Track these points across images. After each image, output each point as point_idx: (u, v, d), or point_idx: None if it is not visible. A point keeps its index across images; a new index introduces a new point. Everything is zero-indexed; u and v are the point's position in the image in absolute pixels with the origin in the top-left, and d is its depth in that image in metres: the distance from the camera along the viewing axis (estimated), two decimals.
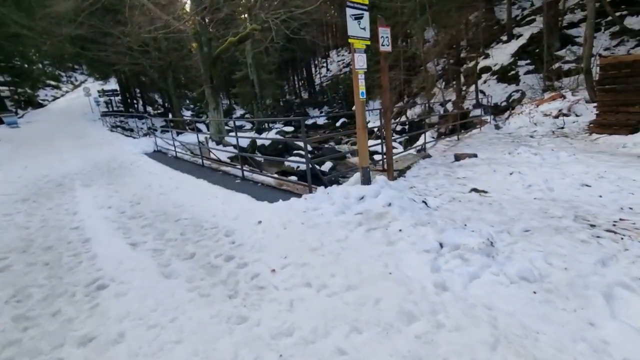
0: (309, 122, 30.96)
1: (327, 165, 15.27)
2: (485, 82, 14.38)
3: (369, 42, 4.06)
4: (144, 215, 4.33)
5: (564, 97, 9.25)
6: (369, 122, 21.50)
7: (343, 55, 47.93)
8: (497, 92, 13.77)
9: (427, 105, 17.98)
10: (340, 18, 21.89)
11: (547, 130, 8.23)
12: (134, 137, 14.89)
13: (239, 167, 6.30)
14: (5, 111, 22.82)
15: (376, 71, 20.65)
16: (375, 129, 12.68)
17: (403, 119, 20.10)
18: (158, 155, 10.25)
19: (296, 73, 34.90)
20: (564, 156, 5.65)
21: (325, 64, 46.63)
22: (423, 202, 3.84)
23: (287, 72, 35.76)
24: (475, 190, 4.57)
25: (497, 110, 12.71)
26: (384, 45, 4.65)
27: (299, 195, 4.44)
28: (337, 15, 21.94)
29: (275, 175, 6.26)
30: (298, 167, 14.70)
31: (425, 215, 3.36)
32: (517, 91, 12.74)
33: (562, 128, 8.21)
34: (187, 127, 24.33)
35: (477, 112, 14.10)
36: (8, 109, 24.47)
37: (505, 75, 14.01)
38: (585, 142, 6.63)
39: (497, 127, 10.11)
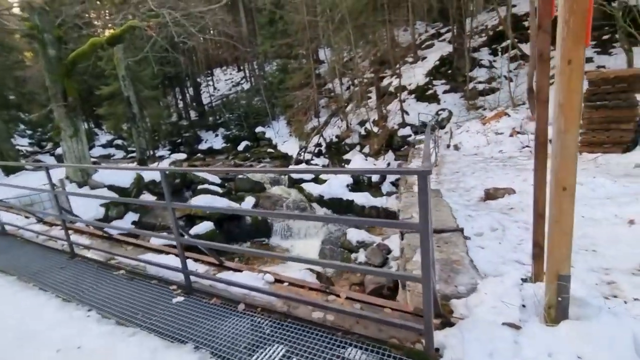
0: (204, 146, 26.61)
1: (248, 202, 12.19)
2: (404, 101, 14.17)
3: None
4: None
5: (507, 115, 9.09)
6: (275, 144, 18.56)
7: (231, 74, 44.77)
8: (418, 111, 13.61)
9: (346, 124, 17.01)
10: (236, 27, 19.31)
11: (514, 150, 7.64)
12: None
13: (176, 251, 3.08)
14: None
15: (286, 88, 18.77)
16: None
17: (316, 140, 18.67)
18: None
19: (181, 91, 29.93)
20: (609, 184, 4.66)
21: (211, 82, 42.43)
22: None
23: (170, 89, 30.36)
24: None
25: (425, 129, 12.35)
26: None
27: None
28: (234, 24, 19.27)
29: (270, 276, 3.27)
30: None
31: None
32: (443, 110, 12.71)
33: (527, 147, 7.77)
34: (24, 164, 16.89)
35: (405, 131, 13.67)
36: None
37: (424, 94, 14.06)
38: (583, 162, 6.06)
39: (456, 147, 9.35)
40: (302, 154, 17.23)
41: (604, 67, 10.43)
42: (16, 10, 11.53)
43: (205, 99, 33.01)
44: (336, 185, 12.52)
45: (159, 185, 13.67)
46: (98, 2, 16.05)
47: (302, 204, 12.33)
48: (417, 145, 10.89)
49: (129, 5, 9.96)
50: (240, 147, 24.18)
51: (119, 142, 27.32)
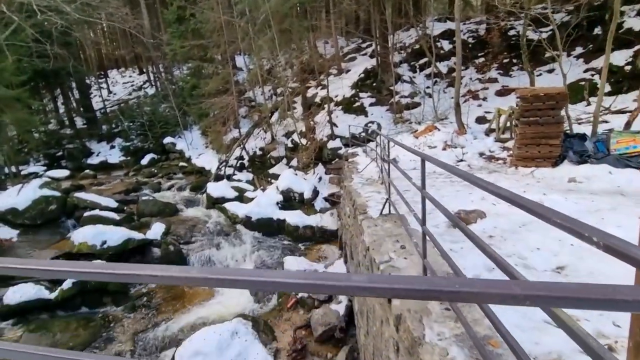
0: (95, 160, 22.04)
1: (156, 230, 9.90)
2: (331, 112, 13.72)
3: None
4: None
5: (437, 129, 9.20)
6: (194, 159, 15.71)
7: (131, 76, 39.24)
8: (347, 122, 13.30)
9: (271, 136, 15.74)
10: (138, 24, 16.42)
11: (451, 164, 7.56)
12: None
13: None
14: None
15: (200, 95, 16.60)
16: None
17: (238, 153, 16.94)
18: None
19: (63, 92, 24.37)
20: (562, 201, 4.56)
21: (105, 85, 36.31)
22: None
23: (45, 89, 24.45)
24: None
25: (357, 141, 12.03)
26: None
27: None
28: (134, 18, 16.32)
29: None
30: (105, 242, 8.60)
31: None
32: (371, 122, 12.58)
33: (463, 160, 7.81)
34: None
35: (335, 143, 13.15)
36: None
37: (351, 106, 13.85)
38: (522, 176, 6.13)
39: (395, 161, 8.99)
40: (223, 168, 15.34)
41: (507, 86, 11.64)
42: None
43: (97, 104, 27.78)
44: (265, 204, 11.17)
45: (24, 214, 10.25)
46: None
47: (227, 228, 10.59)
48: (351, 159, 10.35)
49: None
50: (145, 161, 20.69)
51: None
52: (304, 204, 11.70)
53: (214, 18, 14.22)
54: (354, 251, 5.36)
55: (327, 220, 10.49)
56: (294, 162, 14.65)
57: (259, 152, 16.38)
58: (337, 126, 13.53)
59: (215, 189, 12.64)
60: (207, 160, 17.85)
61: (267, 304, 7.18)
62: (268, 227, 10.55)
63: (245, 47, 14.31)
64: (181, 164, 19.34)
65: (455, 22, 8.85)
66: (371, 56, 17.15)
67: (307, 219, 10.48)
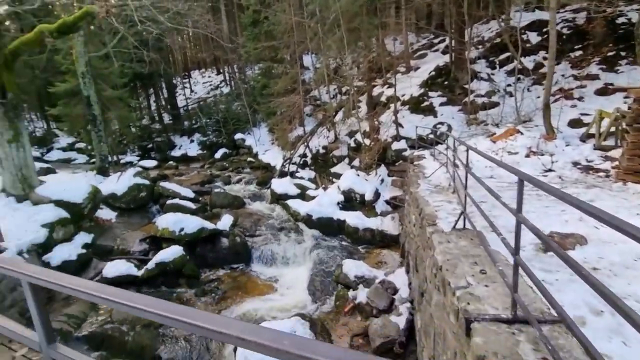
0: (177, 153, 24.63)
1: (225, 221, 10.64)
2: (397, 112, 13.20)
3: None
4: None
5: (520, 132, 8.21)
6: (260, 154, 16.43)
7: (210, 76, 42.81)
8: (413, 123, 12.68)
9: (334, 135, 15.82)
10: (218, 29, 17.84)
11: (537, 174, 6.69)
12: None
13: None
14: None
15: (269, 94, 17.40)
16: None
17: (302, 150, 17.34)
18: None
19: (155, 92, 27.74)
20: None
21: (188, 85, 40.26)
22: None
23: (141, 89, 28.08)
24: None
25: (425, 144, 11.39)
26: None
27: None
28: (215, 23, 17.78)
29: None
30: (183, 229, 9.54)
31: None
32: (441, 123, 11.82)
33: (551, 171, 6.86)
34: None
35: (400, 145, 12.66)
36: None
37: (419, 106, 13.17)
38: (633, 194, 5.14)
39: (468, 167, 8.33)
40: (287, 165, 15.87)
41: (612, 84, 9.90)
42: None
43: (180, 102, 30.94)
44: (326, 203, 11.25)
45: (122, 199, 11.85)
46: None
47: (288, 224, 10.93)
48: (417, 162, 9.84)
49: None
50: (218, 155, 22.46)
51: (82, 145, 24.71)
52: (365, 205, 11.51)
53: (286, 20, 14.69)
54: (420, 264, 5.06)
55: (388, 224, 10.17)
56: (356, 162, 14.51)
57: (322, 151, 16.58)
58: (402, 127, 13.01)
59: (279, 185, 13.13)
60: (273, 156, 18.65)
61: (324, 305, 7.23)
62: (328, 227, 10.61)
63: (314, 47, 14.52)
64: (249, 159, 20.53)
65: (549, 12, 7.77)
66: (444, 52, 16.09)
67: (367, 221, 10.28)
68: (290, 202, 11.84)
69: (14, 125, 8.98)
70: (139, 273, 8.06)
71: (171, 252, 8.56)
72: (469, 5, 11.63)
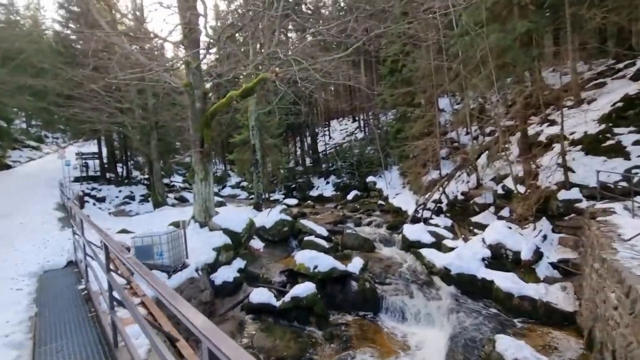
0: (314, 193, 27.03)
1: (356, 264, 10.58)
2: (565, 154, 10.74)
3: None
4: None
5: None
6: (392, 198, 16.32)
7: (346, 124, 46.56)
8: (591, 167, 10.01)
9: (477, 180, 14.17)
10: (358, 80, 19.47)
11: None
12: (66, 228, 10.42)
13: None
14: None
15: (404, 138, 17.36)
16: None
17: (437, 196, 16.08)
18: (67, 286, 5.52)
19: (300, 139, 32.15)
20: None
21: (327, 132, 44.87)
22: None
23: (290, 137, 33.06)
24: None
25: (613, 194, 8.71)
26: None
27: None
28: (353, 77, 19.59)
29: None
30: (317, 267, 9.99)
31: None
32: (638, 167, 8.92)
33: None
34: (166, 199, 19.85)
35: (571, 194, 10.14)
36: None
37: (598, 145, 10.45)
38: None
39: None
40: (420, 210, 14.96)
41: None
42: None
43: (320, 147, 34.53)
44: (467, 257, 9.81)
45: (269, 232, 13.54)
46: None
47: (422, 276, 9.98)
48: (601, 217, 7.54)
49: (262, 59, 10.56)
50: (350, 197, 23.39)
51: (245, 183, 30.40)
52: (520, 266, 9.44)
53: (424, 65, 14.70)
54: None
55: (555, 296, 7.93)
56: (505, 212, 12.40)
57: (460, 197, 15.01)
58: (574, 171, 10.47)
59: (411, 231, 12.40)
60: (404, 200, 18.04)
61: None
62: (470, 286, 9.12)
63: (454, 88, 13.84)
64: (379, 201, 20.50)
65: None
66: (634, 78, 12.57)
67: (524, 286, 8.32)
68: (424, 251, 10.91)
69: (206, 167, 11.73)
70: (277, 304, 8.70)
71: (305, 288, 8.94)
72: None
